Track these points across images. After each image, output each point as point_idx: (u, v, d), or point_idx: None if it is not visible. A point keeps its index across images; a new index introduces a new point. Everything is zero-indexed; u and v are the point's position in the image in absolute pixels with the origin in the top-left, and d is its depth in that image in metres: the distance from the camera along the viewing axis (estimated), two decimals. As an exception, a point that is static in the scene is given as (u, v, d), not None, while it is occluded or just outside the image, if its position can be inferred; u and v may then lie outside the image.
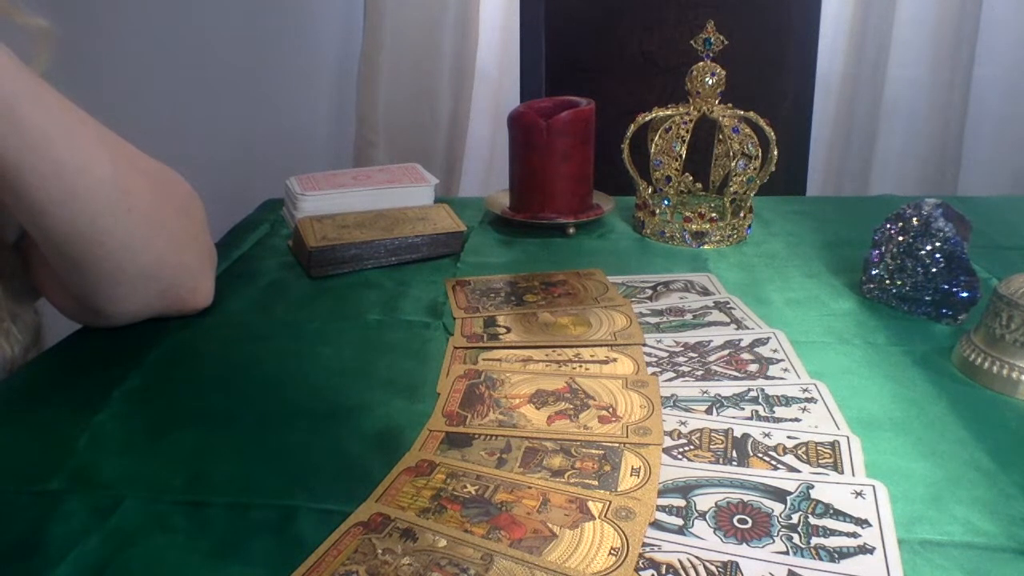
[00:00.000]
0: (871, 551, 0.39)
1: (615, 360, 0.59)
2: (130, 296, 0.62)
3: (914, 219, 0.65)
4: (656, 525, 0.41)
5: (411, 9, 1.57)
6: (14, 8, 0.57)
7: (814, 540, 0.40)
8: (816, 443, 0.48)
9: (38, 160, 0.52)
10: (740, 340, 0.61)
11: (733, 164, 0.80)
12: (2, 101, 0.50)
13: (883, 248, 0.67)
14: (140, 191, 0.59)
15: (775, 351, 0.59)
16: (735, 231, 0.84)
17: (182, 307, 0.66)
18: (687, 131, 0.80)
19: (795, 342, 0.61)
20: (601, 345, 0.61)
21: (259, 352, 0.63)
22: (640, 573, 0.38)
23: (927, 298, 0.65)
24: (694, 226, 0.83)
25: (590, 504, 0.42)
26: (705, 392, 0.54)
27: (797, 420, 0.50)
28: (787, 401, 0.53)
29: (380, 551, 0.39)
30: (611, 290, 0.71)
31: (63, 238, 0.56)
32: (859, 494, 0.43)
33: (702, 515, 0.42)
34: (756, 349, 0.60)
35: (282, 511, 0.43)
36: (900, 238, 0.66)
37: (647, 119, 0.84)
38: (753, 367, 0.57)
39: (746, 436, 0.49)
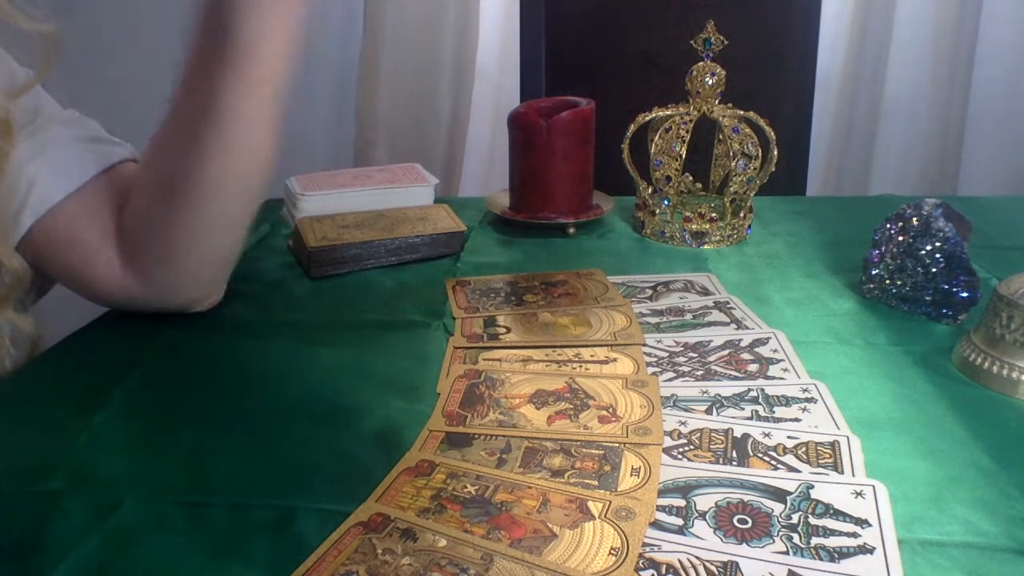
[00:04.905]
0: (871, 551, 0.39)
1: (615, 360, 0.59)
2: (189, 272, 0.64)
3: (914, 219, 0.65)
4: (656, 525, 0.41)
5: (411, 9, 1.57)
6: (17, 12, 0.57)
7: (814, 540, 0.40)
8: (816, 443, 0.48)
9: (237, 128, 0.58)
10: (740, 340, 0.61)
11: (733, 164, 0.80)
12: (258, 83, 0.57)
13: (883, 248, 0.67)
14: (263, 186, 0.63)
15: (775, 351, 0.59)
16: (735, 231, 0.84)
17: (203, 302, 0.68)
18: (687, 131, 0.80)
19: (795, 342, 0.61)
20: (601, 345, 0.61)
21: (259, 352, 0.63)
22: (640, 573, 0.38)
23: (927, 298, 0.65)
24: (694, 226, 0.83)
25: (590, 504, 0.42)
26: (705, 392, 0.54)
27: (797, 420, 0.50)
28: (787, 401, 0.53)
29: (380, 551, 0.39)
30: (611, 290, 0.71)
31: (203, 195, 0.59)
32: (859, 494, 0.43)
33: (702, 515, 0.42)
34: (756, 349, 0.60)
35: (282, 511, 0.43)
36: (900, 238, 0.66)
37: (647, 119, 0.84)
38: (753, 367, 0.57)
39: (746, 436, 0.49)
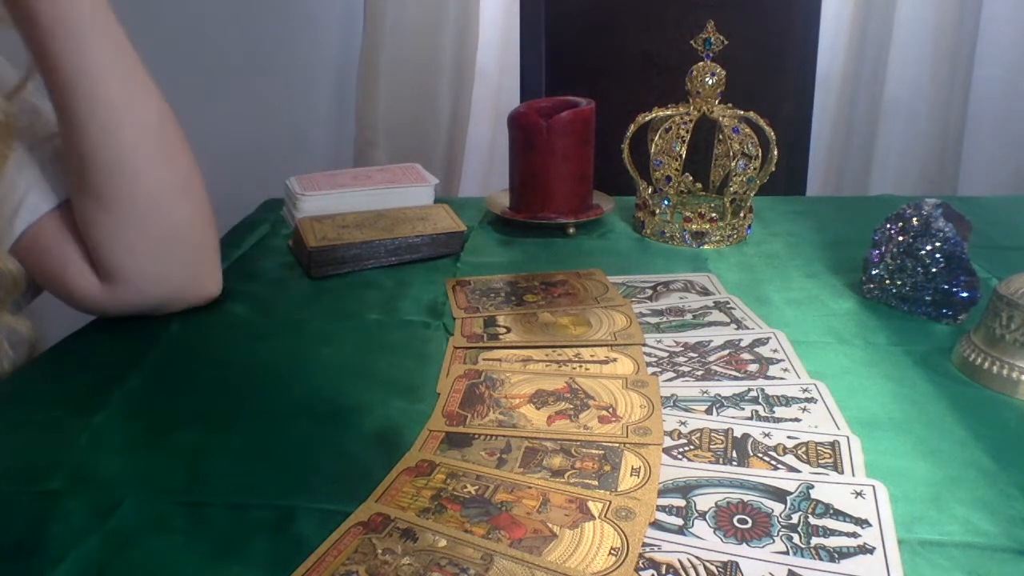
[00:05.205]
0: (871, 551, 0.39)
1: (615, 360, 0.59)
2: (151, 256, 0.63)
3: (914, 219, 0.65)
4: (656, 525, 0.41)
5: (411, 9, 1.57)
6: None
7: (814, 540, 0.40)
8: (816, 443, 0.48)
9: (92, 85, 0.57)
10: (740, 340, 0.61)
11: (733, 164, 0.80)
12: (75, 21, 0.56)
13: (883, 248, 0.67)
14: (180, 150, 0.63)
15: (775, 351, 0.59)
16: (735, 231, 0.84)
17: (197, 292, 0.67)
18: (687, 131, 0.80)
19: (795, 342, 0.61)
20: (601, 345, 0.61)
21: (259, 352, 0.63)
22: (640, 573, 0.38)
23: (927, 298, 0.65)
24: (694, 226, 0.83)
25: (590, 504, 0.42)
26: (705, 392, 0.54)
27: (797, 420, 0.50)
28: (787, 401, 0.53)
29: (380, 551, 0.39)
30: (611, 290, 0.71)
31: (103, 171, 0.59)
32: (859, 494, 0.43)
33: (702, 515, 0.42)
34: (756, 349, 0.60)
35: (282, 511, 0.43)
36: (900, 238, 0.66)
37: (647, 119, 0.84)
38: (753, 367, 0.57)
39: (746, 436, 0.49)
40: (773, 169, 0.82)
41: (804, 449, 0.47)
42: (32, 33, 0.56)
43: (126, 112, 0.59)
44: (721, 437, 0.49)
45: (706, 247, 0.83)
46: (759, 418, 0.51)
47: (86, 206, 0.61)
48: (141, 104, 0.60)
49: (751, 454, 0.47)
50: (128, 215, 0.61)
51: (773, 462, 0.46)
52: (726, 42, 0.82)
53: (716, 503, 0.43)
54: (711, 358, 0.59)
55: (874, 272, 0.68)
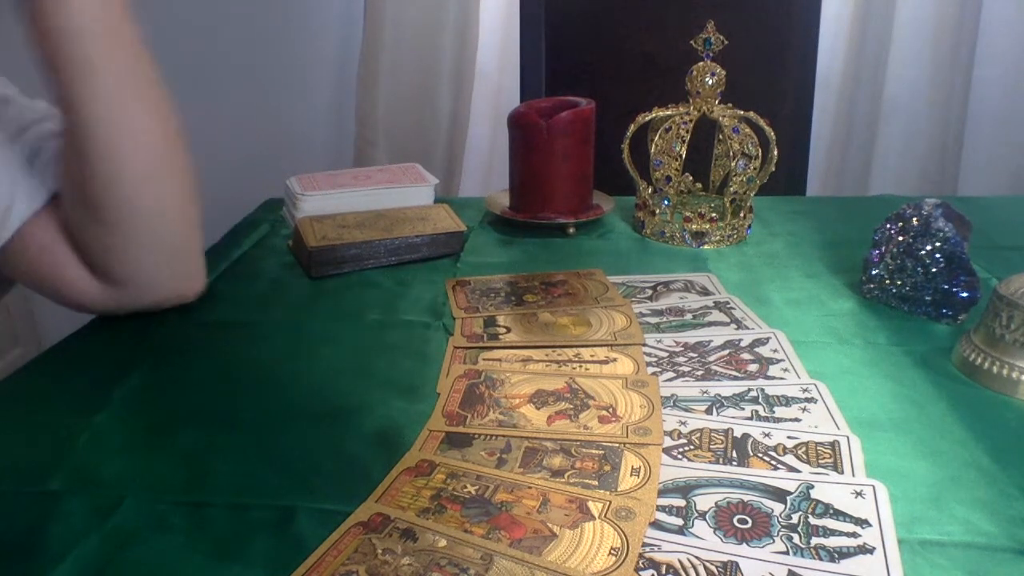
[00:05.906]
0: (871, 551, 0.39)
1: (615, 360, 0.59)
2: (148, 265, 0.63)
3: (914, 219, 0.65)
4: (656, 525, 0.41)
5: (411, 9, 1.57)
6: None
7: (814, 540, 0.40)
8: (816, 443, 0.48)
9: (100, 111, 0.56)
10: (740, 340, 0.61)
11: (733, 164, 0.80)
12: (85, 37, 0.54)
13: (883, 248, 0.67)
14: (181, 167, 0.62)
15: (775, 351, 0.59)
16: (735, 231, 0.84)
17: (188, 290, 0.67)
18: (687, 131, 0.80)
19: (795, 342, 0.61)
20: (601, 345, 0.61)
21: (259, 352, 0.63)
22: (640, 573, 0.38)
23: (927, 298, 0.65)
24: (694, 226, 0.83)
25: (590, 504, 0.42)
26: (705, 392, 0.54)
27: (797, 420, 0.50)
28: (787, 401, 0.53)
29: (380, 551, 0.39)
30: (611, 290, 0.71)
31: (104, 190, 0.59)
32: (859, 494, 0.43)
33: (702, 515, 0.42)
34: (756, 349, 0.60)
35: (282, 511, 0.43)
36: (900, 238, 0.66)
37: (647, 119, 0.84)
38: (753, 367, 0.57)
39: (746, 436, 0.49)
40: (773, 169, 0.82)
41: (804, 449, 0.47)
42: (41, 53, 0.55)
43: (133, 137, 0.58)
44: (721, 437, 0.49)
45: (706, 247, 0.83)
46: (759, 418, 0.51)
47: (82, 219, 0.61)
48: (150, 126, 0.59)
49: (751, 454, 0.47)
50: (126, 231, 0.61)
51: (773, 462, 0.46)
52: (726, 42, 0.82)
53: (716, 503, 0.43)
54: (711, 358, 0.59)
55: (874, 272, 0.68)
